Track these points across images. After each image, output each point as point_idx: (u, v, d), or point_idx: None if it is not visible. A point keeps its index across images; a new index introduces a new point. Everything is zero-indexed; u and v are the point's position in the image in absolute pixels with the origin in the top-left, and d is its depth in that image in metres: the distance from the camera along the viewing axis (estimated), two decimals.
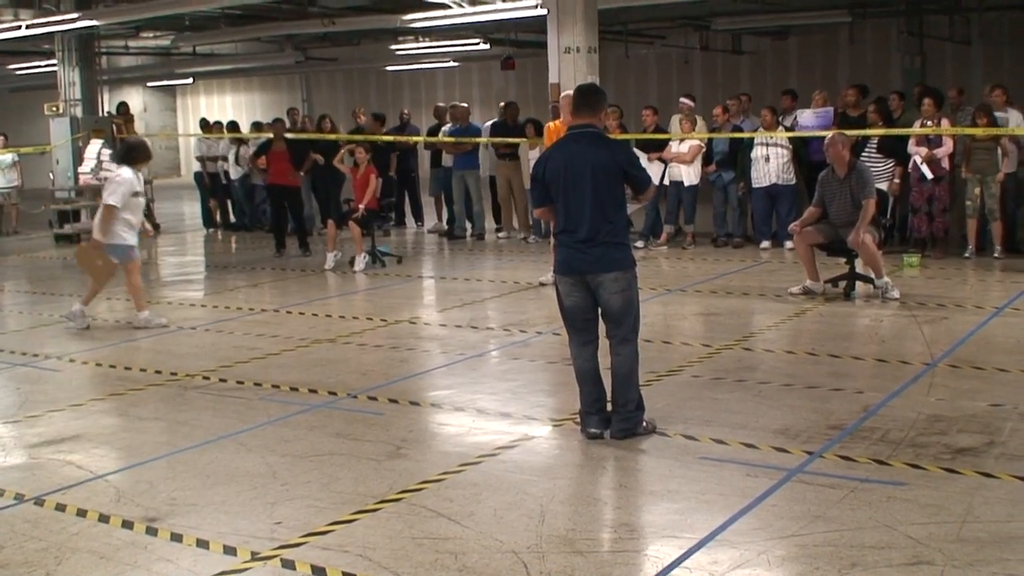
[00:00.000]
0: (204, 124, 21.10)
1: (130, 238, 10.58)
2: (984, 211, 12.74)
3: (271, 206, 16.51)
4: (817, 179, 11.02)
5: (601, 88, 6.82)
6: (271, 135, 16.33)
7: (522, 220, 16.79)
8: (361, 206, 14.05)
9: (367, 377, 8.24)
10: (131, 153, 10.71)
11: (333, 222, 14.40)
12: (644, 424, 6.47)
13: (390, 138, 17.89)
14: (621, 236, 6.43)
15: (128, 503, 5.62)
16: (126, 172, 10.47)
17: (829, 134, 13.48)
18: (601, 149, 6.43)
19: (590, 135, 6.48)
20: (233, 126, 20.54)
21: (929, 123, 12.96)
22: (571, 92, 11.47)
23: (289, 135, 16.43)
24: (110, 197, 10.32)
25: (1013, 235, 12.95)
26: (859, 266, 10.84)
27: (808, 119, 14.45)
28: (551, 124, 11.93)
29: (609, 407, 6.49)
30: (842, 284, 10.87)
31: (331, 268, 14.02)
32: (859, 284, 10.83)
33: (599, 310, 6.48)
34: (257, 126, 20.72)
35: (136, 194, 10.51)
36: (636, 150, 15.39)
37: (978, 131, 12.66)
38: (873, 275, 10.61)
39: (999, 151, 12.53)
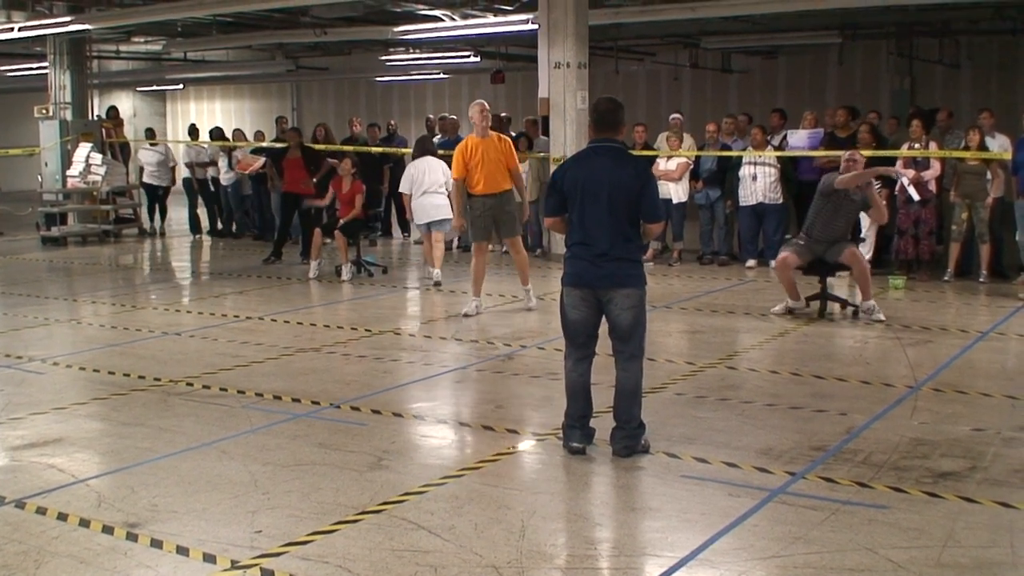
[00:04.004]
0: (193, 130, 21.09)
1: (417, 218, 13.46)
2: (973, 235, 12.79)
3: (281, 214, 16.43)
4: (817, 189, 10.99)
5: (620, 103, 6.64)
6: (287, 142, 16.36)
7: None
8: (342, 221, 14.03)
9: (350, 387, 8.23)
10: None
11: (319, 231, 14.37)
12: (643, 442, 6.47)
13: (379, 149, 17.92)
14: (635, 253, 6.44)
15: (109, 508, 5.60)
16: (412, 164, 13.65)
17: (823, 154, 13.66)
18: (625, 166, 6.40)
19: (614, 151, 6.47)
20: (218, 132, 20.55)
21: (917, 145, 13.03)
22: (481, 103, 10.89)
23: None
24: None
25: (999, 259, 13.01)
26: (832, 286, 10.91)
27: (800, 139, 14.51)
28: (464, 143, 11.18)
29: (592, 423, 6.51)
30: (816, 305, 10.92)
31: (314, 276, 14.01)
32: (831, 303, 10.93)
33: (602, 326, 6.48)
34: (240, 133, 20.75)
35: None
36: None
37: (965, 155, 12.72)
38: (860, 296, 10.68)
39: (988, 175, 12.59)
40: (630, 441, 6.38)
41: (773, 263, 14.01)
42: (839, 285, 12.04)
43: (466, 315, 11.08)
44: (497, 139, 11.06)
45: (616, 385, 6.46)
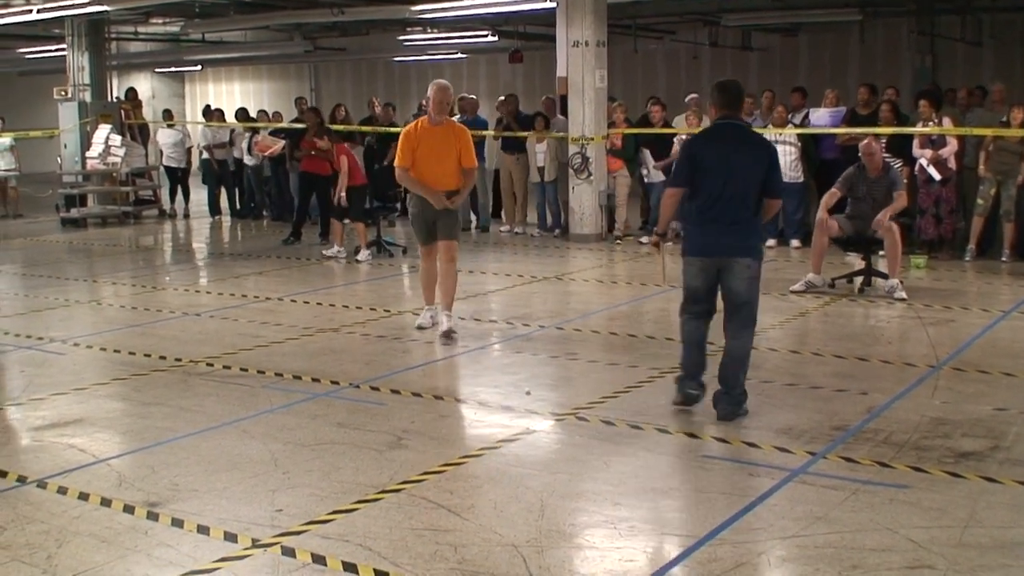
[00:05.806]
0: (207, 112, 21.08)
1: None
2: (996, 213, 12.68)
3: (299, 194, 16.45)
4: (842, 175, 11.04)
5: (739, 84, 6.96)
6: (306, 123, 16.36)
7: (523, 214, 16.74)
8: (342, 195, 13.96)
9: (370, 367, 8.23)
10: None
11: (336, 219, 14.35)
12: (744, 408, 6.71)
13: (397, 129, 17.88)
14: (757, 227, 6.76)
15: (130, 487, 5.62)
16: None
17: (844, 131, 13.57)
18: (754, 142, 6.80)
19: (741, 128, 6.85)
20: (242, 113, 20.54)
21: (931, 124, 12.91)
22: (441, 82, 9.04)
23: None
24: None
25: (1023, 239, 12.87)
26: (853, 266, 10.87)
27: (822, 117, 14.44)
28: (413, 126, 9.22)
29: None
30: (857, 281, 10.93)
31: (333, 256, 14.03)
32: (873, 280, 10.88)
33: (719, 293, 6.76)
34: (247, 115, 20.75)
35: None
36: (644, 150, 15.41)
37: (987, 132, 12.62)
38: (888, 270, 10.65)
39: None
40: (735, 406, 6.66)
41: (794, 241, 14.06)
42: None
43: (420, 328, 9.57)
44: (451, 129, 9.17)
45: (725, 351, 6.74)
